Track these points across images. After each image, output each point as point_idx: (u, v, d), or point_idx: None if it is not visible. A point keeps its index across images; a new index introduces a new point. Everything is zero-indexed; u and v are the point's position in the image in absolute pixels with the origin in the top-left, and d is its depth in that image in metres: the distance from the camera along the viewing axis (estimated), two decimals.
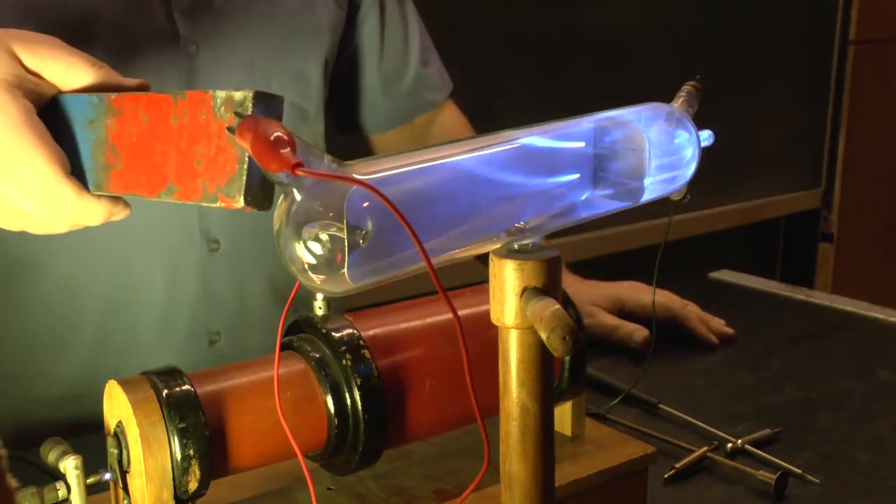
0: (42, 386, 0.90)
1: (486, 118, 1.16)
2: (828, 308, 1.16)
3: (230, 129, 0.41)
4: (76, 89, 0.57)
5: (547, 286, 0.46)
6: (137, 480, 0.51)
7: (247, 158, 0.46)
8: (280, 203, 0.41)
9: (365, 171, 0.43)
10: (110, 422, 0.53)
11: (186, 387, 0.52)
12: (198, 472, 0.51)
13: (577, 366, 0.64)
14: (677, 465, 0.74)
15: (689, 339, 1.03)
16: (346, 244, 0.41)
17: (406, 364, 0.58)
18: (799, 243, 2.61)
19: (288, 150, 0.39)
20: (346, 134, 1.10)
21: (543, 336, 0.43)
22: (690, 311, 1.04)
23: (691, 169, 0.57)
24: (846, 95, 2.52)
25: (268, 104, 0.46)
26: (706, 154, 0.57)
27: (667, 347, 0.97)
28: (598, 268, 1.25)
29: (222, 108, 0.47)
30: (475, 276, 0.60)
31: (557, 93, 1.83)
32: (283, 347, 0.58)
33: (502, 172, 0.49)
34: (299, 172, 0.39)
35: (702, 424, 0.81)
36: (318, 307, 0.58)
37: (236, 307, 0.93)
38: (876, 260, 2.66)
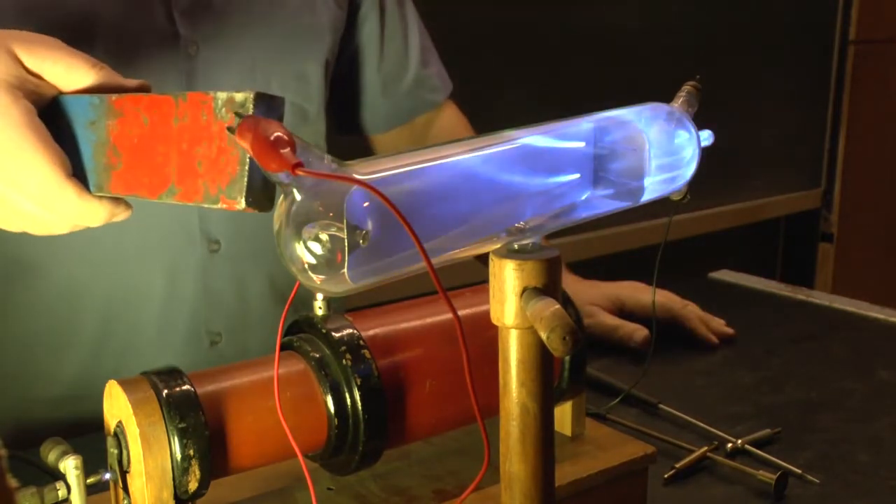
0: (42, 386, 0.90)
1: (486, 118, 1.16)
2: (828, 308, 1.16)
3: (230, 130, 0.41)
4: (77, 90, 0.57)
5: (547, 286, 0.46)
6: (137, 480, 0.51)
7: (248, 160, 0.46)
8: (280, 203, 0.41)
9: (365, 171, 0.43)
10: (110, 422, 0.53)
11: (186, 387, 0.52)
12: (198, 472, 0.51)
13: (577, 366, 0.64)
14: (677, 465, 0.74)
15: (689, 339, 1.03)
16: (346, 244, 0.41)
17: (406, 364, 0.58)
18: (799, 243, 2.61)
19: (288, 150, 0.40)
20: (346, 134, 1.10)
21: (543, 336, 0.43)
22: (690, 311, 1.04)
23: (691, 169, 0.57)
24: (846, 95, 2.52)
25: (269, 105, 0.46)
26: (706, 154, 0.57)
27: (667, 347, 0.97)
28: (598, 268, 1.25)
29: (223, 110, 0.47)
30: (475, 276, 0.60)
31: (557, 93, 1.83)
32: (283, 347, 0.58)
33: (502, 172, 0.49)
34: (299, 172, 0.39)
35: (702, 424, 0.81)
36: (318, 307, 0.58)
37: (236, 307, 0.93)
38: (876, 260, 2.66)
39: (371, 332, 0.58)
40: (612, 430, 0.68)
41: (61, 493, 0.51)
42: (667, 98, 0.58)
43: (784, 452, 0.76)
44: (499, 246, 0.47)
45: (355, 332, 0.57)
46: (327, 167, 0.41)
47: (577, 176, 0.52)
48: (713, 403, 0.88)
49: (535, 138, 0.50)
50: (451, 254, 0.46)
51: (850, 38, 2.49)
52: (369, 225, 0.41)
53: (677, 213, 0.60)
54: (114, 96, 0.54)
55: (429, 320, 0.61)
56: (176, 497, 0.51)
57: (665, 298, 1.04)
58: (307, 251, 0.41)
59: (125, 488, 0.52)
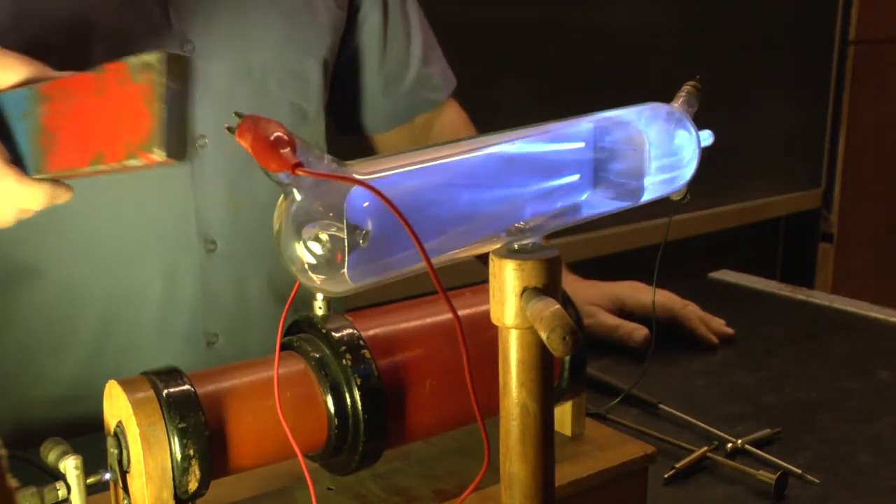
0: (42, 386, 0.90)
1: (486, 118, 1.16)
2: (828, 308, 1.16)
3: (230, 129, 0.41)
4: (10, 86, 0.60)
5: (547, 286, 0.46)
6: (137, 480, 0.51)
7: (163, 114, 0.50)
8: (280, 203, 0.41)
9: (365, 171, 0.43)
10: (110, 422, 0.53)
11: (186, 387, 0.52)
12: (198, 472, 0.51)
13: (577, 366, 0.64)
14: (677, 465, 0.74)
15: (689, 339, 1.03)
16: (346, 244, 0.41)
17: (406, 364, 0.58)
18: (799, 243, 2.61)
19: (288, 150, 0.40)
20: (347, 134, 1.10)
21: (543, 336, 0.43)
22: (690, 311, 1.04)
23: (691, 169, 0.57)
24: (846, 95, 2.52)
25: (176, 63, 0.52)
26: (706, 154, 0.57)
27: (667, 347, 0.97)
28: (598, 268, 1.25)
29: (137, 72, 0.52)
30: (475, 276, 0.60)
31: (557, 93, 1.83)
32: (283, 347, 0.58)
33: (502, 172, 0.49)
34: (299, 172, 0.39)
35: (702, 424, 0.81)
36: (318, 307, 0.58)
37: (236, 308, 0.93)
38: (876, 260, 2.66)
39: (371, 332, 0.58)
40: (612, 430, 0.68)
41: (61, 493, 0.51)
42: (667, 98, 0.58)
43: (784, 452, 0.76)
44: (499, 246, 0.47)
45: (355, 332, 0.57)
46: (327, 167, 0.41)
47: (576, 176, 0.52)
48: (713, 403, 0.88)
49: (534, 138, 0.50)
50: (451, 254, 0.46)
51: (850, 38, 2.49)
52: (369, 225, 0.41)
53: (677, 213, 0.60)
54: (42, 84, 0.58)
55: (429, 320, 0.61)
56: (176, 497, 0.51)
57: (665, 298, 1.04)
58: (307, 251, 0.41)
59: (125, 488, 0.52)
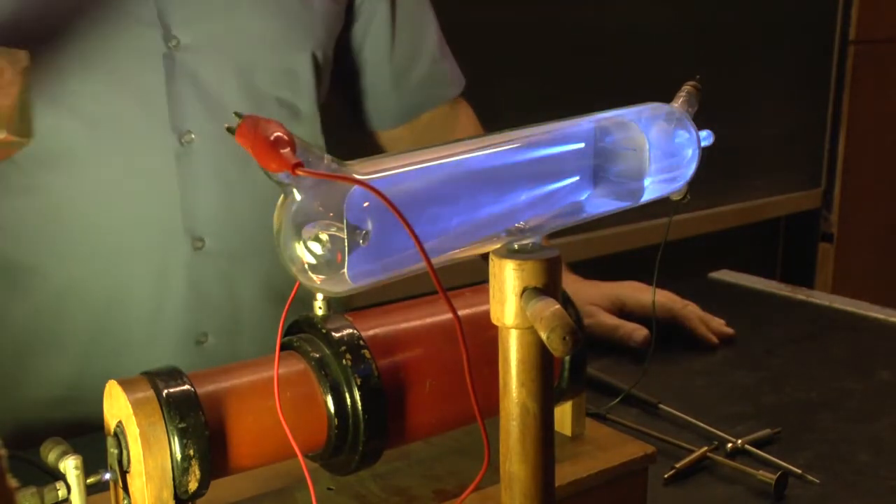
0: (38, 386, 0.90)
1: (486, 118, 1.16)
2: (828, 308, 1.16)
3: (230, 130, 0.41)
4: None
5: (547, 286, 0.46)
6: (137, 480, 0.51)
7: (16, 98, 0.57)
8: (280, 203, 0.41)
9: (365, 171, 0.43)
10: (110, 422, 0.53)
11: (186, 387, 0.52)
12: (198, 472, 0.51)
13: (577, 366, 0.64)
14: (677, 465, 0.74)
15: (689, 339, 1.03)
16: (346, 244, 0.41)
17: (406, 364, 0.58)
18: (799, 243, 2.61)
19: (288, 150, 0.40)
20: (359, 127, 1.09)
21: (543, 336, 0.43)
22: (690, 311, 1.04)
23: (691, 169, 0.57)
24: (846, 95, 2.52)
25: (14, 56, 0.60)
26: (706, 154, 0.57)
27: (667, 347, 0.97)
28: (598, 268, 1.25)
29: None
30: (475, 276, 0.60)
31: (558, 93, 1.83)
32: (283, 347, 0.58)
33: (502, 172, 0.49)
34: (299, 172, 0.39)
35: (702, 424, 0.81)
36: (318, 307, 0.58)
37: (225, 306, 0.92)
38: (876, 260, 2.67)
39: (371, 332, 0.58)
40: (612, 430, 0.68)
41: (61, 493, 0.51)
42: (667, 98, 0.58)
43: (784, 452, 0.76)
44: (499, 246, 0.47)
45: (355, 332, 0.57)
46: (327, 167, 0.41)
47: (576, 176, 0.52)
48: (713, 403, 0.88)
49: (535, 138, 0.50)
50: (451, 254, 0.46)
51: (850, 38, 2.49)
52: (369, 225, 0.41)
53: (677, 213, 0.60)
54: None
55: (429, 320, 0.61)
56: (176, 497, 0.51)
57: (665, 298, 1.04)
58: (307, 251, 0.41)
59: (125, 488, 0.52)
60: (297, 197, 0.41)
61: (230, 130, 0.40)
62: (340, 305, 0.96)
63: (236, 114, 0.40)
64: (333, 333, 0.57)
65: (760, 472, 0.72)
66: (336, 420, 0.55)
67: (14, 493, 0.37)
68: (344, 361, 0.55)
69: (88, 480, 0.52)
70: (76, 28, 0.81)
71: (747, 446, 0.77)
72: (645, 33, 2.02)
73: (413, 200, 0.44)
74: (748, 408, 0.87)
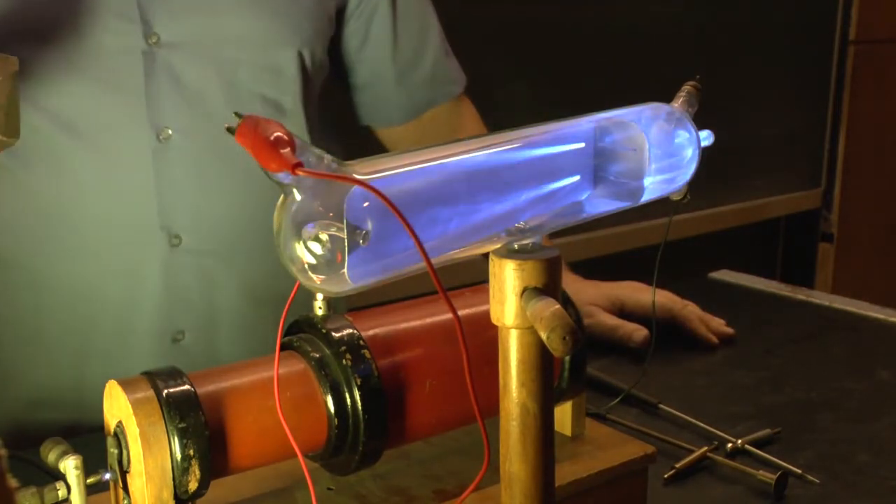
0: (17, 383, 0.90)
1: (486, 118, 1.16)
2: (828, 308, 1.16)
3: (230, 130, 0.41)
4: None
5: (547, 286, 0.46)
6: (137, 480, 0.51)
7: (5, 100, 0.59)
8: (280, 203, 0.41)
9: (365, 171, 0.43)
10: (110, 422, 0.53)
11: (186, 387, 0.52)
12: (198, 472, 0.51)
13: (577, 366, 0.64)
14: (677, 465, 0.74)
15: (689, 339, 1.03)
16: (346, 244, 0.41)
17: (406, 364, 0.58)
18: (799, 243, 2.61)
19: (288, 150, 0.40)
20: (359, 127, 1.09)
21: (543, 336, 0.43)
22: (690, 311, 1.04)
23: (691, 169, 0.57)
24: (846, 95, 2.52)
25: (2, 62, 0.61)
26: (706, 154, 0.57)
27: (667, 347, 0.97)
28: (598, 268, 1.25)
29: None
30: (475, 276, 0.60)
31: (557, 93, 1.83)
32: (283, 347, 0.58)
33: (502, 172, 0.49)
34: (299, 172, 0.39)
35: (702, 424, 0.81)
36: (318, 307, 0.58)
37: (202, 305, 0.91)
38: (876, 260, 2.67)
39: (371, 332, 0.58)
40: (612, 430, 0.68)
41: (61, 493, 0.51)
42: (667, 98, 0.58)
43: (784, 452, 0.76)
44: (499, 246, 0.47)
45: (355, 332, 0.57)
46: (327, 167, 0.41)
47: (576, 176, 0.52)
48: (713, 403, 0.88)
49: (535, 138, 0.50)
50: (451, 254, 0.46)
51: (850, 38, 2.49)
52: (369, 225, 0.41)
53: (677, 213, 0.60)
54: None
55: (429, 320, 0.61)
56: (176, 497, 0.51)
57: (665, 298, 1.04)
58: (307, 251, 0.41)
59: (125, 488, 0.52)
60: (297, 197, 0.41)
61: (230, 130, 0.40)
62: (341, 305, 0.96)
63: (236, 114, 0.40)
64: (333, 333, 0.57)
65: (760, 472, 0.72)
66: (336, 420, 0.55)
67: (14, 493, 0.37)
68: (344, 361, 0.55)
69: (88, 480, 0.52)
70: (56, 24, 0.81)
71: (747, 446, 0.77)
72: (645, 33, 2.02)
73: (413, 200, 0.44)
74: (748, 408, 0.87)
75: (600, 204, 0.54)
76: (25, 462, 0.60)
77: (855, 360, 1.00)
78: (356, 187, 0.41)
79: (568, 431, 0.67)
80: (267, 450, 0.55)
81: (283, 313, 0.50)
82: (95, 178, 0.85)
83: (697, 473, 0.75)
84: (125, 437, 0.51)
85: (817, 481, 0.73)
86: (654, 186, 0.55)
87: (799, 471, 0.73)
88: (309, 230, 0.41)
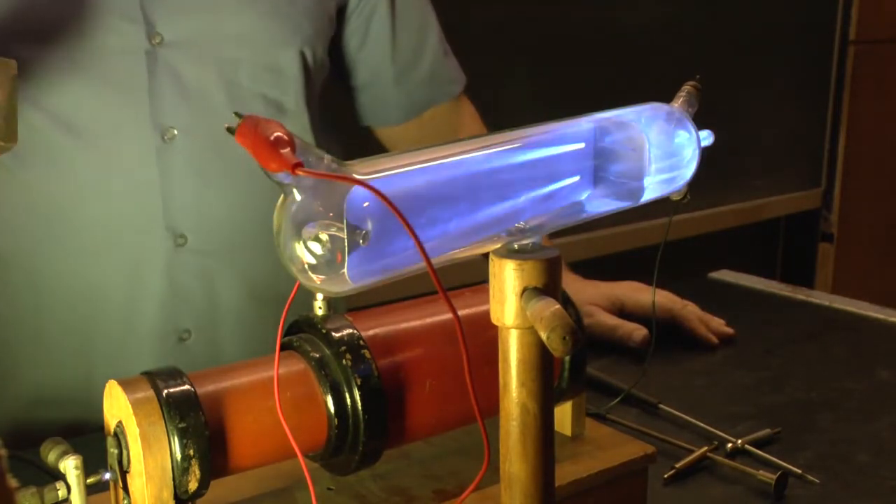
0: (18, 383, 0.90)
1: (485, 118, 1.16)
2: (828, 308, 1.16)
3: (230, 130, 0.41)
4: None
5: (547, 286, 0.46)
6: (137, 480, 0.51)
7: (4, 104, 0.59)
8: (280, 203, 0.41)
9: (365, 171, 0.43)
10: (110, 422, 0.53)
11: (186, 387, 0.52)
12: (198, 472, 0.51)
13: (577, 366, 0.64)
14: (677, 465, 0.74)
15: (689, 339, 1.03)
16: (346, 244, 0.41)
17: (406, 364, 0.58)
18: (799, 243, 2.61)
19: (288, 150, 0.40)
20: (359, 127, 1.09)
21: (543, 336, 0.43)
22: (690, 311, 1.04)
23: (691, 169, 0.57)
24: (846, 95, 2.52)
25: (2, 66, 0.61)
26: (706, 154, 0.57)
27: (667, 347, 0.97)
28: (598, 268, 1.25)
29: None
30: (475, 276, 0.60)
31: (558, 93, 1.83)
32: (283, 347, 0.58)
33: (502, 172, 0.49)
34: (299, 172, 0.39)
35: (702, 424, 0.81)
36: (318, 307, 0.58)
37: (206, 304, 0.91)
38: (876, 260, 2.67)
39: (371, 332, 0.58)
40: (612, 430, 0.68)
41: (61, 493, 0.51)
42: (667, 98, 0.58)
43: (784, 452, 0.76)
44: (499, 246, 0.47)
45: (355, 332, 0.57)
46: (327, 167, 0.41)
47: (577, 176, 0.52)
48: (713, 403, 0.88)
49: (535, 138, 0.50)
50: (451, 254, 0.46)
51: (850, 38, 2.49)
52: (369, 225, 0.41)
53: (677, 213, 0.60)
54: None
55: (429, 320, 0.61)
56: (176, 497, 0.51)
57: (665, 298, 1.04)
58: (307, 251, 0.41)
59: (125, 488, 0.52)
60: (297, 197, 0.41)
61: (230, 130, 0.40)
62: (341, 305, 0.96)
63: (236, 114, 0.40)
64: (333, 333, 0.57)
65: (760, 472, 0.72)
66: (336, 420, 0.55)
67: (14, 493, 0.37)
68: (344, 361, 0.55)
69: (88, 480, 0.52)
70: (59, 25, 0.81)
71: (747, 446, 0.77)
72: (645, 33, 2.02)
73: (413, 200, 0.44)
74: (748, 408, 0.87)
75: (600, 204, 0.54)
76: (25, 462, 0.60)
77: (855, 360, 1.00)
78: (356, 187, 0.41)
79: (568, 431, 0.67)
80: (267, 450, 0.55)
81: (283, 313, 0.50)
82: (98, 179, 0.85)
83: (697, 473, 0.75)
84: (125, 437, 0.51)
85: (817, 481, 0.73)
86: (654, 186, 0.55)
87: (799, 471, 0.73)
88: (309, 230, 0.41)
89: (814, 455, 0.77)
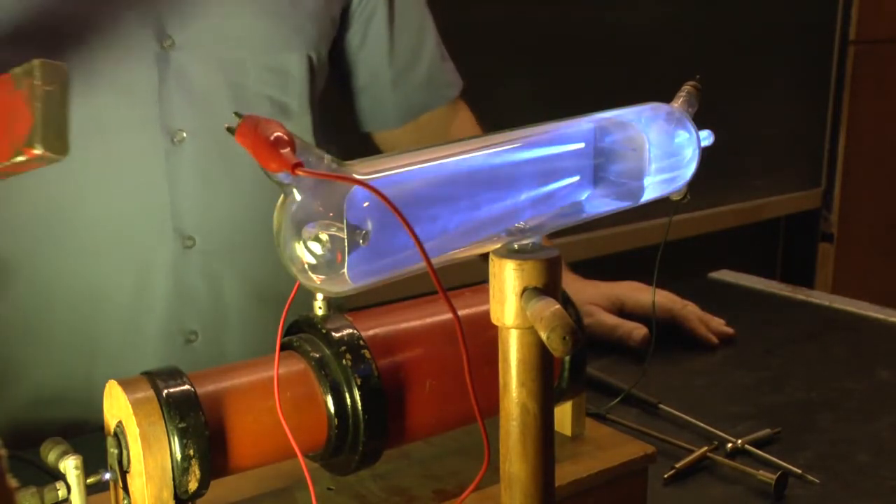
0: (22, 384, 0.90)
1: (485, 118, 1.16)
2: (828, 308, 1.16)
3: (230, 130, 0.41)
4: None
5: (547, 286, 0.46)
6: (137, 480, 0.51)
7: (41, 113, 0.55)
8: (280, 203, 0.41)
9: (365, 171, 0.43)
10: (110, 422, 0.53)
11: (186, 387, 0.52)
12: (198, 472, 0.51)
13: (577, 366, 0.64)
14: (677, 465, 0.74)
15: (689, 339, 1.03)
16: (346, 244, 0.41)
17: (406, 364, 0.58)
18: (799, 243, 2.61)
19: (288, 150, 0.40)
20: (358, 128, 1.09)
21: (543, 336, 0.43)
22: (690, 311, 1.04)
23: (691, 169, 0.57)
24: (846, 95, 2.52)
25: (53, 70, 0.57)
26: (706, 154, 0.57)
27: (667, 347, 0.97)
28: (598, 268, 1.25)
29: (19, 80, 0.56)
30: (475, 276, 0.60)
31: (558, 93, 1.83)
32: (283, 347, 0.58)
33: (502, 172, 0.49)
34: (299, 172, 0.39)
35: (702, 424, 0.81)
36: (318, 307, 0.58)
37: (212, 305, 0.92)
38: (876, 260, 2.66)
39: (371, 332, 0.58)
40: (612, 430, 0.68)
41: (61, 493, 0.51)
42: (667, 98, 0.58)
43: (784, 452, 0.76)
44: (499, 246, 0.47)
45: (355, 332, 0.57)
46: (327, 167, 0.41)
47: (577, 176, 0.52)
48: (713, 403, 0.88)
49: (535, 138, 0.50)
50: (451, 254, 0.46)
51: (850, 38, 2.49)
52: (369, 225, 0.41)
53: (677, 213, 0.60)
54: None
55: (429, 320, 0.61)
56: (176, 497, 0.51)
57: (665, 298, 1.04)
58: (307, 251, 0.41)
59: (125, 488, 0.52)
60: (297, 197, 0.41)
61: (230, 130, 0.40)
62: (341, 305, 0.96)
63: (236, 114, 0.40)
64: (333, 333, 0.57)
65: (760, 472, 0.72)
66: (336, 420, 0.55)
67: (14, 493, 0.37)
68: (344, 361, 0.55)
69: (88, 480, 0.52)
70: (74, 29, 0.81)
71: (747, 446, 0.77)
72: (645, 33, 2.02)
73: (413, 200, 0.44)
74: (748, 408, 0.87)
75: (600, 204, 0.54)
76: (25, 462, 0.60)
77: (855, 360, 1.00)
78: (356, 187, 0.41)
79: (568, 431, 0.67)
80: (267, 450, 0.55)
81: (283, 313, 0.50)
82: (105, 180, 0.85)
83: (697, 473, 0.75)
84: (125, 436, 0.51)
85: (817, 481, 0.73)
86: (654, 186, 0.55)
87: (799, 471, 0.73)
88: (309, 230, 0.41)
89: (814, 455, 0.77)
